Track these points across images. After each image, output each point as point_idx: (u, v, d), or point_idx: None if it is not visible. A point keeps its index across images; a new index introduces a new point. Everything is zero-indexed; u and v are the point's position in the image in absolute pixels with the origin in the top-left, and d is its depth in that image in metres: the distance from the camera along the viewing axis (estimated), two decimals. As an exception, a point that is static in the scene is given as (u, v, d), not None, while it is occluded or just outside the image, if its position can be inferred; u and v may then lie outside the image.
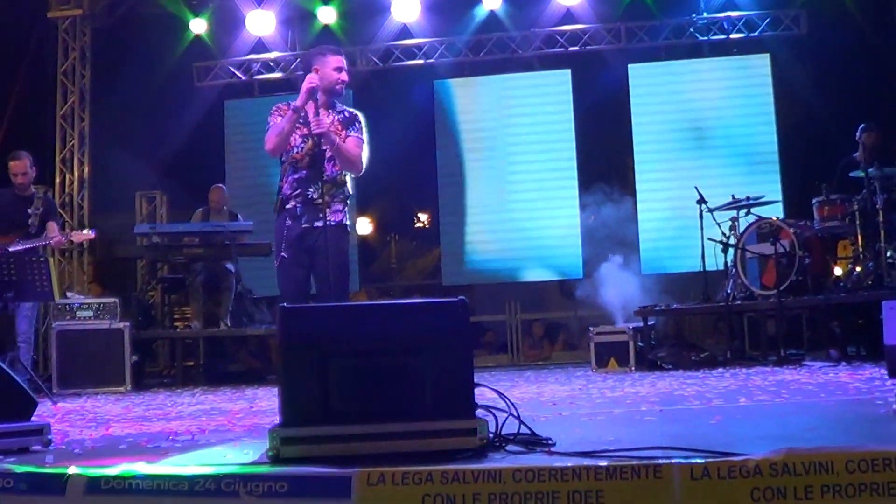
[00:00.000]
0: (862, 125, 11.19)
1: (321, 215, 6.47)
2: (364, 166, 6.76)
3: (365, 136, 6.78)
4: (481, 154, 14.80)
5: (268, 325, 12.15)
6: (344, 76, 6.76)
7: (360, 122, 6.79)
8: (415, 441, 3.83)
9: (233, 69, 15.59)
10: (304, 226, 6.59)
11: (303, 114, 6.58)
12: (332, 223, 6.54)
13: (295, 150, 6.64)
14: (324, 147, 6.56)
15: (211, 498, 3.46)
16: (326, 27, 14.88)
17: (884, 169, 10.45)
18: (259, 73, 15.60)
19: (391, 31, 15.04)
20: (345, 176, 6.76)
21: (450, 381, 3.89)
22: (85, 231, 11.03)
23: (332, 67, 6.72)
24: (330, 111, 6.72)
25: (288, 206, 6.65)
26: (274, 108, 6.79)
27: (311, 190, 6.59)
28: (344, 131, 6.67)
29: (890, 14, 13.37)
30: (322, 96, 6.62)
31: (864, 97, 12.80)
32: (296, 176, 6.66)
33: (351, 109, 6.90)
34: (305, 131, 6.60)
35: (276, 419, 4.00)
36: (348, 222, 6.79)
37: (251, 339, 12.60)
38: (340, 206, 6.71)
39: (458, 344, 3.95)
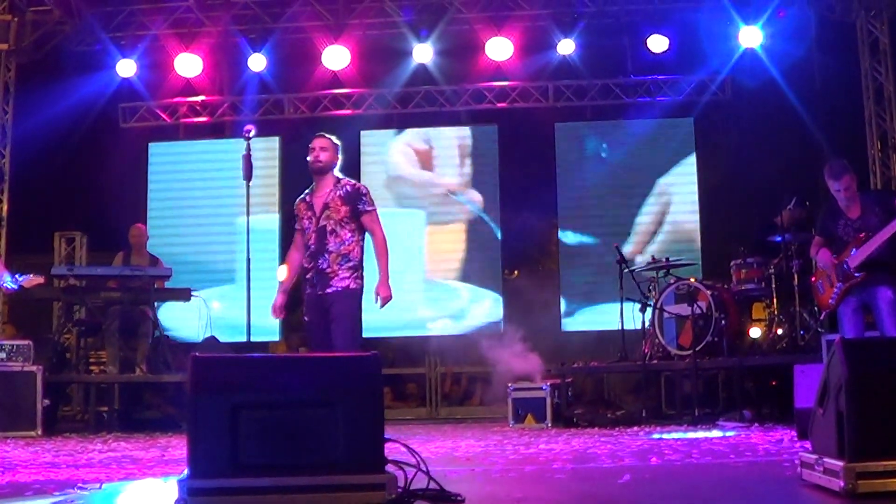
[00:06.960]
0: (795, 198, 11.18)
1: (331, 283, 7.62)
2: (383, 234, 7.90)
3: (375, 205, 7.86)
4: (404, 205, 14.82)
5: (185, 371, 11.95)
6: (316, 154, 7.80)
7: (365, 195, 7.81)
8: (323, 495, 3.82)
9: (159, 111, 15.49)
10: (318, 293, 7.65)
11: (307, 199, 7.86)
12: (339, 289, 7.63)
13: (307, 231, 7.79)
14: (322, 223, 7.66)
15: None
16: (256, 74, 14.86)
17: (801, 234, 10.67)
18: (185, 116, 15.52)
19: (321, 79, 15.05)
20: (351, 246, 7.73)
21: (360, 435, 3.89)
22: (34, 276, 10.74)
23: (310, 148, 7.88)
24: (332, 189, 7.74)
25: (307, 276, 7.76)
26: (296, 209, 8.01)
27: (321, 261, 7.66)
28: (345, 206, 7.68)
29: (812, 83, 13.65)
30: (315, 176, 7.84)
31: (786, 164, 13.01)
32: (309, 252, 7.74)
33: (352, 182, 7.91)
34: (309, 214, 7.76)
35: (186, 469, 3.96)
36: (355, 286, 7.71)
37: (168, 385, 12.40)
38: (347, 274, 7.67)
39: (369, 398, 3.95)
